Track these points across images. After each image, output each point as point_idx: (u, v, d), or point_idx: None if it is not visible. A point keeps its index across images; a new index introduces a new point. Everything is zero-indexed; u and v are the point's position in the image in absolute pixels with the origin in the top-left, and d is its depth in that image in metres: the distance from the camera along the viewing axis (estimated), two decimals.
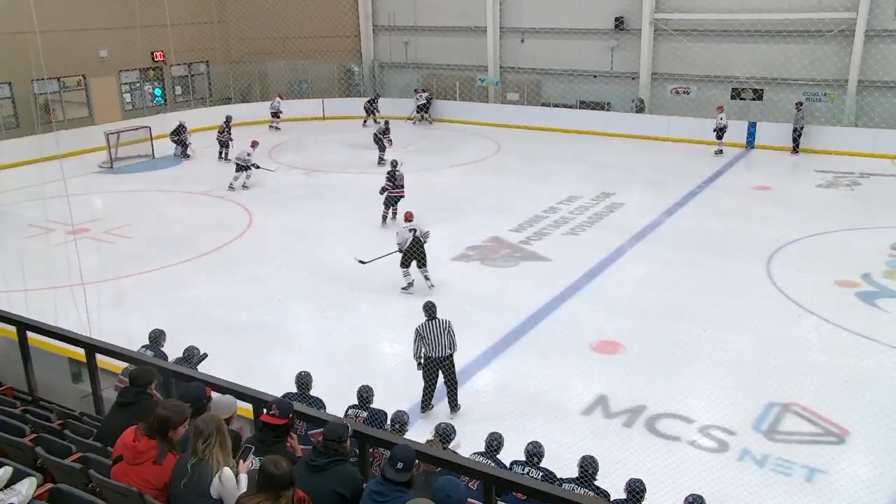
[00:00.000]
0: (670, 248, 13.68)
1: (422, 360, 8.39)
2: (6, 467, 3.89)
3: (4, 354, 7.39)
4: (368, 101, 26.68)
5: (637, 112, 24.06)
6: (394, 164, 15.57)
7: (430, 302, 8.70)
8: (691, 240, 14.09)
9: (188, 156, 21.88)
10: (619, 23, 24.32)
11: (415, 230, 11.64)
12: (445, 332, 8.36)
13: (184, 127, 21.95)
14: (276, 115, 25.93)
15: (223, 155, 21.13)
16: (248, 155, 18.17)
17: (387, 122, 21.93)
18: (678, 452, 7.65)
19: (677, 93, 23.79)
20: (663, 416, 8.28)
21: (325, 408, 6.66)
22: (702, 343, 9.99)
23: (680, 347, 9.87)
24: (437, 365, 8.31)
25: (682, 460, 7.48)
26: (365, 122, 26.19)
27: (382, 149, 20.28)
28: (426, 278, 11.80)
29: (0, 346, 7.91)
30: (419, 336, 8.35)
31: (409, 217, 12.11)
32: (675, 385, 8.94)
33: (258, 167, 18.31)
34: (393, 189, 15.08)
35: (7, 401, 5.87)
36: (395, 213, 15.16)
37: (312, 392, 6.98)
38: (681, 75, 23.71)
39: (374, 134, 20.77)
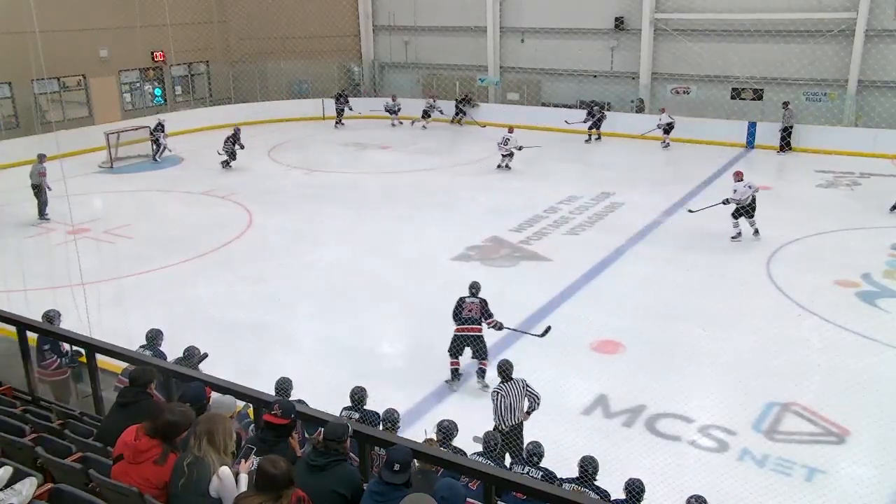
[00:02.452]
0: (670, 248, 13.68)
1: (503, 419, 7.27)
2: (6, 467, 3.90)
3: (4, 354, 7.39)
4: (338, 97, 26.41)
5: (637, 112, 24.05)
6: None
7: (505, 361, 7.56)
8: (691, 240, 14.08)
9: (156, 161, 21.40)
10: (619, 23, 24.32)
11: (751, 186, 13.55)
12: (523, 391, 7.31)
13: (160, 126, 21.56)
14: (393, 112, 26.01)
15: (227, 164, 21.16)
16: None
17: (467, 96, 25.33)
18: (678, 452, 7.65)
19: (677, 93, 23.79)
20: (663, 416, 8.28)
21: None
22: (702, 343, 9.99)
23: (680, 347, 9.88)
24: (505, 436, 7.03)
25: (682, 460, 7.48)
26: (338, 122, 26.20)
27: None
28: (756, 231, 13.71)
29: (0, 346, 7.92)
30: (499, 396, 7.28)
31: (739, 176, 13.81)
32: (675, 385, 8.93)
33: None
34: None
35: (7, 401, 5.87)
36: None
37: (312, 393, 6.96)
38: (681, 75, 23.71)
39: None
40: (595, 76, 25.27)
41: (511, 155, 19.46)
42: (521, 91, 26.77)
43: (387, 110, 26.21)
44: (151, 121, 22.47)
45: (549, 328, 9.07)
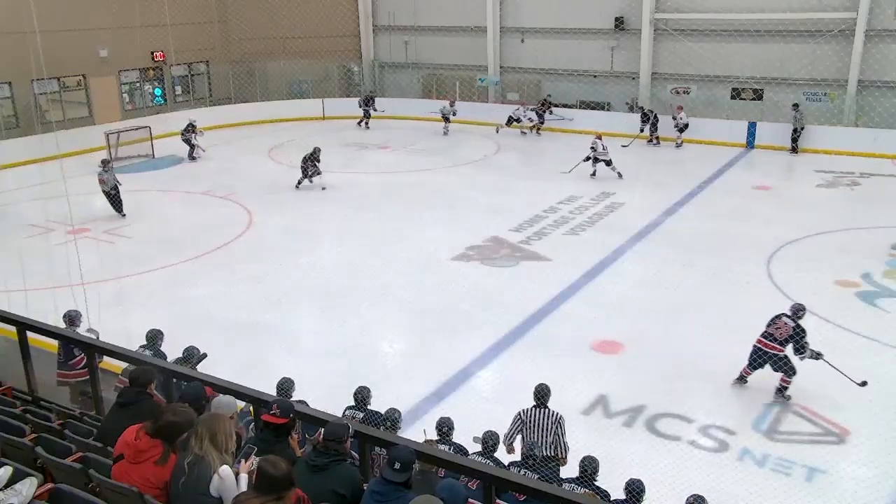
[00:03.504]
0: (670, 248, 13.68)
1: (512, 445, 6.89)
2: (6, 467, 3.90)
3: (4, 354, 7.39)
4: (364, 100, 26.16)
5: (630, 111, 24.11)
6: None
7: (542, 386, 6.98)
8: (691, 239, 14.08)
9: (194, 158, 21.52)
10: (619, 23, 24.32)
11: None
12: (553, 426, 6.73)
13: (191, 126, 21.49)
14: (447, 118, 24.72)
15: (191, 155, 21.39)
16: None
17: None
18: (678, 452, 7.65)
19: (677, 92, 23.79)
20: (663, 416, 8.28)
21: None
22: (702, 342, 9.99)
23: (680, 347, 9.87)
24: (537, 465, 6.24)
25: (683, 460, 7.47)
26: (364, 122, 26.06)
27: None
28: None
29: (0, 345, 7.91)
30: (520, 422, 6.85)
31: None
32: (675, 385, 8.94)
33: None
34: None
35: (7, 401, 5.87)
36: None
37: (312, 393, 6.96)
38: (681, 75, 23.71)
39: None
40: (595, 76, 25.27)
41: (599, 161, 18.46)
42: (522, 91, 26.76)
43: (443, 116, 24.75)
44: (153, 121, 22.53)
45: (865, 382, 8.33)
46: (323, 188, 17.99)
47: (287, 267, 13.16)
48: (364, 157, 21.90)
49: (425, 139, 24.15)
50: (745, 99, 22.79)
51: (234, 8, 28.05)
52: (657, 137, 22.44)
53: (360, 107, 26.05)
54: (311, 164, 17.99)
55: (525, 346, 10.10)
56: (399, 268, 13.01)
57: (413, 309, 11.36)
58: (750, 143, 21.76)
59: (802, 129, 20.72)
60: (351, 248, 14.09)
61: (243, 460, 4.15)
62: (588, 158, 18.35)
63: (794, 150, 20.77)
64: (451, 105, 24.87)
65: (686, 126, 21.88)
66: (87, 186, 16.02)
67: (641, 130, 22.48)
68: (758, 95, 22.61)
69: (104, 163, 16.06)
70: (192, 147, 21.50)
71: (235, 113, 26.55)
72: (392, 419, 6.51)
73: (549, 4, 25.55)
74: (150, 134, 21.81)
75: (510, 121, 24.23)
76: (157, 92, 27.13)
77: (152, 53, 26.06)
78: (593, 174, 18.58)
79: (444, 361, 9.53)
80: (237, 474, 3.99)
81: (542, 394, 6.87)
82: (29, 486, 3.78)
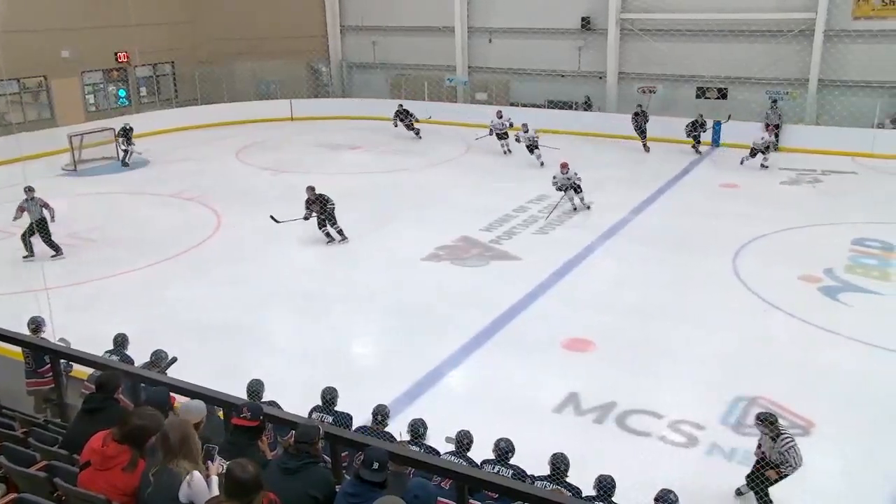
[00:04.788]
0: (639, 246, 13.84)
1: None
2: None
3: None
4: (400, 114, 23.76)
5: (586, 110, 24.44)
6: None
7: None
8: (660, 237, 14.26)
9: (127, 164, 20.85)
10: (586, 23, 24.54)
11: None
12: None
13: (126, 130, 20.91)
14: (502, 136, 21.21)
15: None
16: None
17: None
18: (649, 448, 7.76)
19: (644, 91, 24.06)
20: (634, 413, 8.37)
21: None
22: (671, 339, 10.14)
23: (650, 344, 10.01)
24: None
25: (653, 455, 7.59)
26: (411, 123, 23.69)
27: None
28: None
29: None
30: None
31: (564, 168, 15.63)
32: (645, 381, 9.06)
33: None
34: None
35: None
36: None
37: (286, 394, 6.92)
38: (647, 74, 24.00)
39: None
40: (563, 76, 25.46)
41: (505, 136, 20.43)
42: (490, 91, 26.86)
43: (497, 134, 21.18)
44: (117, 123, 22.08)
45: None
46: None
47: (259, 268, 13.04)
48: (335, 157, 21.76)
49: (395, 140, 24.05)
50: (709, 98, 23.14)
51: (200, 8, 27.69)
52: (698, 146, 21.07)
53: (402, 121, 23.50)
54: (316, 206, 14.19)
55: (497, 344, 10.14)
56: (370, 268, 12.99)
57: (384, 310, 11.34)
58: (716, 142, 22.08)
59: (779, 126, 21.06)
60: (322, 249, 14.01)
61: (210, 462, 4.10)
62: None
63: (775, 146, 20.63)
64: (500, 117, 21.29)
65: (770, 146, 19.58)
66: (51, 190, 15.67)
67: (642, 133, 21.50)
68: (722, 94, 22.97)
69: (28, 190, 13.18)
70: (127, 153, 20.91)
71: (202, 114, 26.20)
72: (382, 414, 6.52)
73: (516, 5, 25.67)
74: (115, 136, 21.41)
75: (493, 133, 21.28)
76: (122, 93, 26.66)
77: (116, 54, 25.61)
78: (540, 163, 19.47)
79: (415, 361, 9.53)
80: (207, 478, 3.94)
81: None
82: None
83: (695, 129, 20.90)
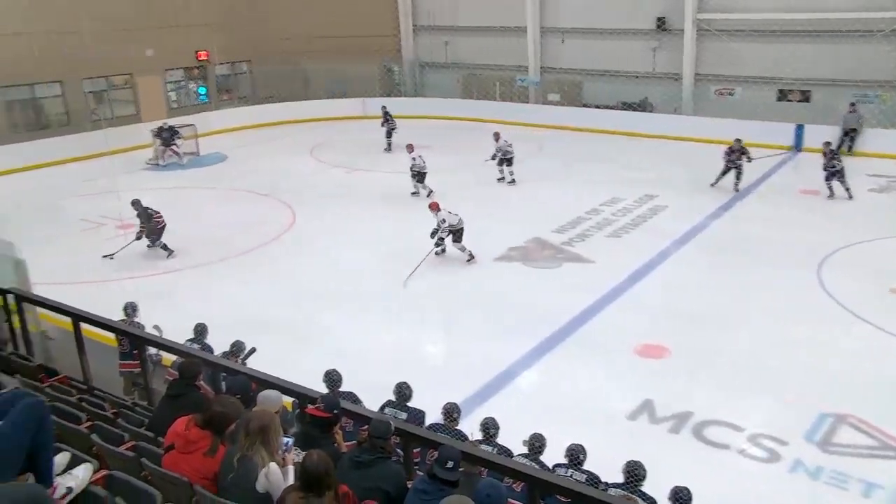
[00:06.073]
0: (715, 252, 13.41)
1: None
2: (64, 453, 3.96)
3: (61, 345, 7.55)
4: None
5: (644, 111, 23.82)
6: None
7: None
8: (737, 243, 13.78)
9: (162, 163, 20.98)
10: (661, 23, 23.96)
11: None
12: None
13: (171, 130, 21.11)
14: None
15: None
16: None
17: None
18: (727, 461, 7.47)
19: (721, 94, 23.34)
20: (711, 423, 8.08)
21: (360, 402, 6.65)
22: (750, 349, 9.76)
23: (727, 353, 9.66)
24: None
25: (732, 469, 7.31)
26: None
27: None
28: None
29: (56, 336, 8.09)
30: None
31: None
32: (722, 392, 8.75)
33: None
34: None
35: (64, 389, 5.99)
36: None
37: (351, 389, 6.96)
38: (725, 76, 23.25)
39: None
40: (637, 77, 24.95)
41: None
42: (562, 92, 26.55)
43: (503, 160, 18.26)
44: (198, 119, 22.83)
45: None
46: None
47: (326, 265, 13.21)
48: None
49: (465, 139, 23.96)
50: (791, 101, 22.25)
51: (277, 8, 28.34)
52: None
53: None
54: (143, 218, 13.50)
55: (569, 348, 9.98)
56: (440, 268, 12.98)
57: (454, 310, 11.31)
58: (797, 146, 21.20)
59: (856, 131, 20.11)
60: (394, 247, 14.06)
61: (286, 454, 4.15)
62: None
63: (850, 149, 20.05)
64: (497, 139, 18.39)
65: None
66: (135, 183, 16.31)
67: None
68: (805, 97, 22.06)
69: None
70: (177, 154, 21.17)
71: (277, 112, 26.83)
72: (455, 412, 6.47)
73: (589, 4, 25.27)
74: (196, 132, 22.12)
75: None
76: (202, 90, 27.57)
77: (196, 52, 26.51)
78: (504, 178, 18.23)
79: (486, 362, 9.47)
80: (283, 467, 3.99)
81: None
82: (85, 471, 3.84)
83: (731, 155, 17.01)
